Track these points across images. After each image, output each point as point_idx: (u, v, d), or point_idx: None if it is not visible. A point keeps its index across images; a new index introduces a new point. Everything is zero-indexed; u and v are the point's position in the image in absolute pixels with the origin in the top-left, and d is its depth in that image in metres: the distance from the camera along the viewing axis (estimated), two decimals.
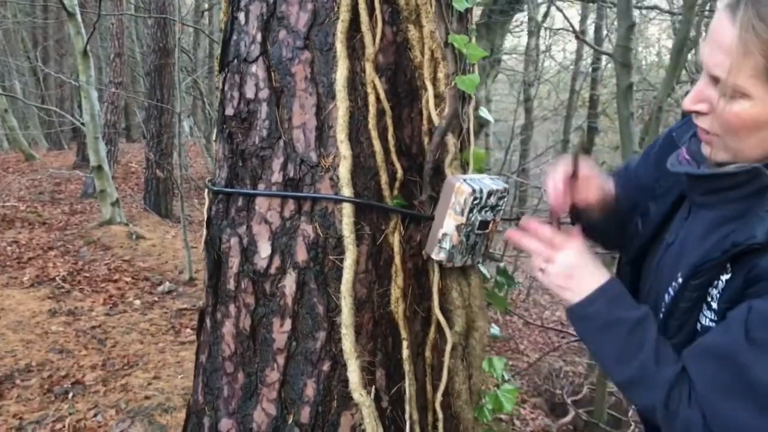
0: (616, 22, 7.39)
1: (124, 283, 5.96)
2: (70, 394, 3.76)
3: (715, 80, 0.97)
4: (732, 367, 0.93)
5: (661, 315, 1.12)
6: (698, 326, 1.03)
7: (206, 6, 18.97)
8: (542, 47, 16.63)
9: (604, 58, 12.34)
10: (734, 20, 0.93)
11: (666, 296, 1.11)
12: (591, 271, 1.14)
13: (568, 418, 7.04)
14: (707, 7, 10.75)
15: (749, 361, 0.91)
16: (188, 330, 4.92)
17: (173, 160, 10.28)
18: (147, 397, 3.69)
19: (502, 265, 1.58)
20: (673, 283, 1.10)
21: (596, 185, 1.28)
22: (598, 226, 1.34)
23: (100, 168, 7.42)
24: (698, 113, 1.03)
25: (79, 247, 7.03)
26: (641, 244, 1.26)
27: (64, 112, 12.69)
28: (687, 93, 1.05)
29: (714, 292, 1.01)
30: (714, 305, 1.01)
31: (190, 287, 5.98)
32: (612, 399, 6.93)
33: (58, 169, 12.51)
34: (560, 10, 5.32)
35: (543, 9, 14.59)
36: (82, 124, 7.86)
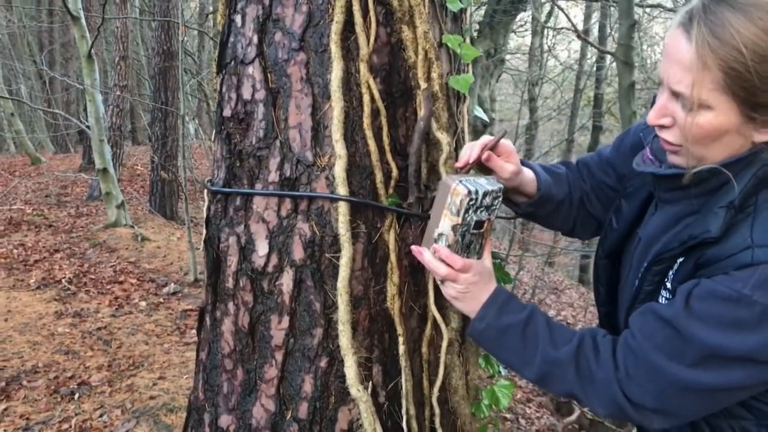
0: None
1: (130, 284, 5.99)
2: (76, 395, 3.79)
3: (676, 95, 1.03)
4: (667, 329, 1.04)
5: (627, 302, 1.23)
6: None
7: (210, 9, 19.04)
8: (546, 47, 16.64)
9: (608, 57, 12.33)
10: (690, 38, 0.98)
11: (636, 283, 1.20)
12: (484, 284, 1.26)
13: (573, 417, 7.04)
14: None
15: (682, 325, 1.01)
16: (193, 331, 4.94)
17: (178, 162, 10.33)
18: (152, 397, 3.72)
19: (497, 261, 1.60)
20: (640, 271, 1.18)
21: (512, 163, 1.38)
22: (525, 211, 1.48)
23: (105, 171, 7.47)
24: (662, 126, 1.09)
25: (84, 249, 7.08)
26: (616, 239, 1.34)
27: (70, 115, 12.76)
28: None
29: (670, 274, 1.11)
30: (669, 285, 1.11)
31: (195, 288, 6.01)
32: None
33: (64, 172, 12.59)
34: (562, 10, 5.33)
35: (547, 8, 14.60)
36: (88, 127, 7.91)
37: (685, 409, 1.07)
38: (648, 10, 11.46)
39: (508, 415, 6.37)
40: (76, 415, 3.56)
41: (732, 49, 0.95)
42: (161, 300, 5.64)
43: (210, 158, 13.56)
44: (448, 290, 1.28)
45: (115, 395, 3.79)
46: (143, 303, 5.51)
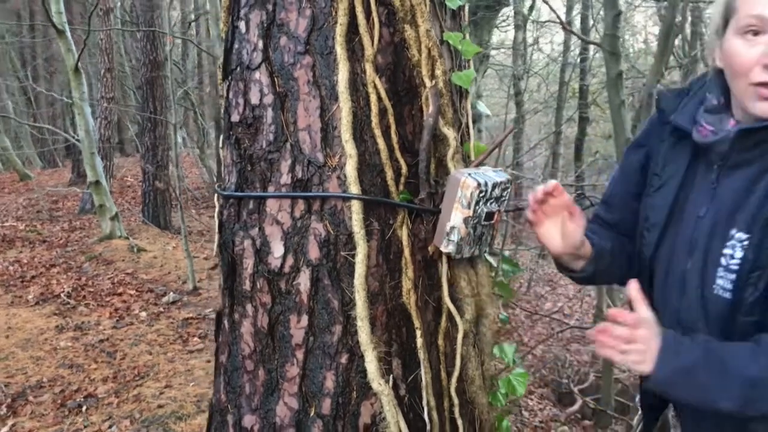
0: (602, 12, 7.45)
1: (129, 295, 5.99)
2: (84, 408, 3.80)
3: None
4: None
5: (726, 281, 1.15)
6: None
7: (192, 17, 19.00)
8: (530, 40, 16.72)
9: (591, 48, 12.40)
10: None
11: (722, 260, 1.16)
12: (655, 335, 1.14)
13: (575, 407, 7.10)
14: None
15: None
16: (195, 339, 4.96)
17: (169, 171, 10.32)
18: (160, 406, 3.73)
19: (507, 253, 1.62)
20: (729, 243, 1.15)
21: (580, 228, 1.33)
22: (588, 273, 1.40)
23: (97, 183, 7.46)
24: None
25: (81, 262, 7.07)
26: (657, 235, 1.30)
27: (57, 129, 12.72)
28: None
29: None
30: None
31: (194, 296, 6.02)
32: (618, 386, 6.99)
33: (54, 186, 12.54)
34: (546, 2, 5.36)
35: (528, 2, 14.65)
36: (77, 140, 7.89)
37: None
38: (630, 0, 11.54)
39: (510, 406, 6.43)
40: (84, 427, 3.57)
41: None
42: (161, 309, 5.65)
43: (200, 167, 13.56)
44: (630, 356, 1.15)
45: (123, 406, 3.80)
46: (144, 313, 5.51)
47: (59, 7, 7.00)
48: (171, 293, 6.01)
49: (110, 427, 3.56)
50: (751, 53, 1.10)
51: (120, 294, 6.03)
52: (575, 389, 7.26)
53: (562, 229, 1.34)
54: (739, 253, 1.14)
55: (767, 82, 1.10)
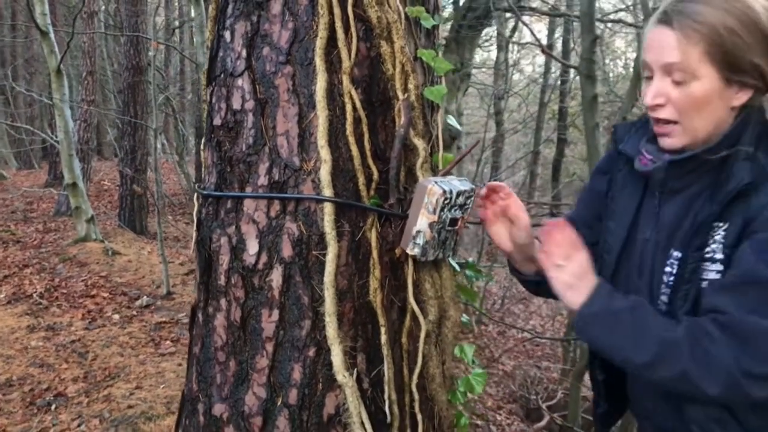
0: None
1: (102, 298, 5.99)
2: (53, 406, 3.81)
3: (667, 72, 1.21)
4: (753, 290, 1.12)
5: (665, 296, 1.28)
6: (703, 284, 1.20)
7: (177, 24, 19.03)
8: (511, 61, 16.98)
9: (572, 71, 12.63)
10: (672, 27, 1.20)
11: (664, 278, 1.28)
12: (592, 275, 1.29)
13: (543, 423, 7.19)
14: None
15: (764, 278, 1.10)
16: (168, 342, 4.98)
17: (147, 176, 10.32)
18: (130, 407, 3.75)
19: (470, 259, 1.72)
20: (669, 262, 1.28)
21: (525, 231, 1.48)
22: (537, 281, 1.51)
23: (74, 185, 7.45)
24: (657, 106, 1.25)
25: (54, 264, 7.04)
26: (615, 257, 1.41)
27: (36, 130, 12.65)
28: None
29: (714, 246, 1.20)
30: (718, 257, 1.19)
31: (168, 301, 6.04)
32: (586, 403, 7.10)
33: (30, 187, 12.45)
34: (526, 25, 5.52)
35: (511, 24, 14.89)
36: (56, 141, 7.89)
37: None
38: (609, 25, 11.79)
39: (479, 422, 6.49)
40: (53, 425, 3.58)
41: (707, 26, 1.17)
42: (134, 313, 5.66)
43: (179, 173, 13.54)
44: (562, 275, 1.29)
45: (93, 405, 3.82)
46: (116, 316, 5.52)
47: (44, 9, 7.03)
48: (145, 297, 6.02)
49: (79, 425, 3.58)
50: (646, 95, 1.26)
51: (93, 296, 6.03)
52: (543, 405, 7.37)
53: (509, 230, 1.47)
54: (675, 270, 1.26)
55: (655, 119, 1.27)
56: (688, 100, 1.21)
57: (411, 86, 1.52)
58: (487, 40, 15.94)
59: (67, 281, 6.42)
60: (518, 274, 1.56)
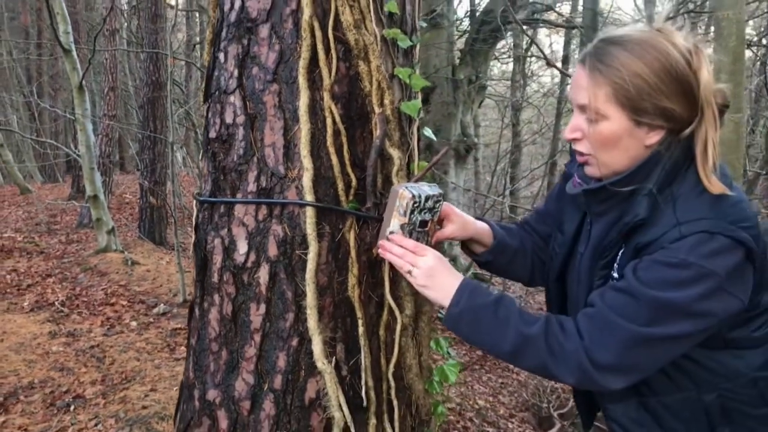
0: None
1: (121, 306, 6.20)
2: (72, 407, 3.99)
3: (582, 110, 1.34)
4: (622, 296, 1.27)
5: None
6: None
7: (197, 39, 19.39)
8: (528, 72, 17.10)
9: None
10: (585, 68, 1.32)
11: (594, 287, 1.42)
12: (449, 272, 1.46)
13: (554, 430, 7.26)
14: None
15: (635, 290, 1.25)
16: (182, 348, 5.16)
17: (167, 188, 10.57)
18: (144, 407, 3.92)
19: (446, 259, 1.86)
20: (597, 274, 1.42)
21: (452, 223, 1.69)
22: (485, 259, 1.74)
23: (96, 197, 7.69)
24: (575, 140, 1.39)
25: (76, 273, 7.28)
26: (560, 262, 1.59)
27: (59, 144, 12.99)
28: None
29: (615, 265, 1.36)
30: (615, 275, 1.36)
31: (184, 309, 6.22)
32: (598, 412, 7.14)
33: (54, 200, 12.78)
34: (531, 39, 5.65)
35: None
36: (78, 155, 8.15)
37: (642, 361, 1.27)
38: None
39: (490, 430, 6.59)
40: (72, 425, 3.76)
41: (613, 70, 1.27)
42: (151, 320, 5.85)
43: (198, 185, 13.80)
44: (416, 279, 1.47)
45: (109, 406, 4.00)
46: (134, 323, 5.72)
47: (67, 27, 7.31)
48: (162, 305, 6.22)
49: (96, 425, 3.76)
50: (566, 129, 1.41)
51: (112, 304, 6.24)
52: (555, 414, 7.43)
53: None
54: (599, 284, 1.41)
55: (575, 151, 1.41)
56: (598, 138, 1.32)
57: (386, 101, 1.68)
58: (504, 52, 16.09)
59: (88, 290, 6.64)
60: (471, 254, 1.77)
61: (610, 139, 1.31)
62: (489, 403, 6.76)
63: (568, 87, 1.40)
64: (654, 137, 1.30)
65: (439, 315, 1.90)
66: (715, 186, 1.26)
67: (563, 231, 1.59)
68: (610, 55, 1.28)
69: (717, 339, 1.31)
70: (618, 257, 1.36)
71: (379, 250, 1.55)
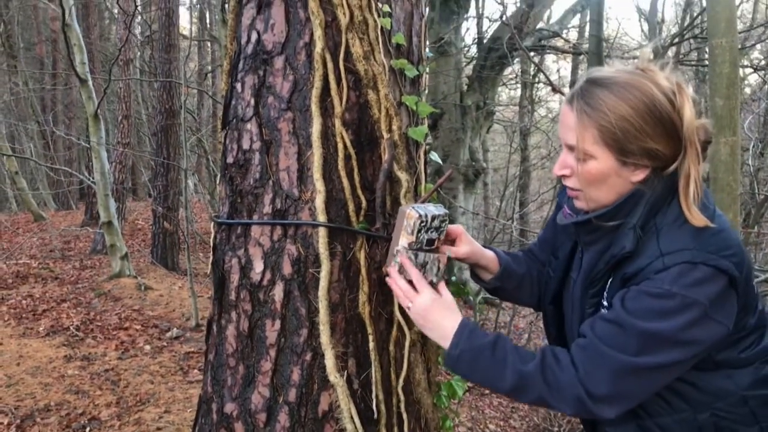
0: None
1: (135, 330, 6.29)
2: (88, 429, 4.06)
3: (571, 149, 1.40)
4: (612, 327, 1.33)
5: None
6: None
7: (209, 68, 19.70)
8: (535, 98, 17.27)
9: None
10: (572, 109, 1.38)
11: (585, 315, 1.49)
12: (444, 312, 1.51)
13: None
14: (681, 55, 11.28)
15: (623, 321, 1.30)
16: (195, 371, 5.23)
17: (179, 214, 10.71)
18: (159, 429, 3.99)
19: (453, 278, 1.94)
20: (588, 301, 1.49)
21: (464, 243, 1.75)
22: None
23: (110, 224, 7.82)
24: (564, 176, 1.46)
25: (90, 298, 7.38)
26: (555, 286, 1.66)
27: (74, 172, 13.19)
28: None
29: (604, 294, 1.42)
30: (605, 303, 1.42)
31: (196, 332, 6.30)
32: None
33: (67, 227, 12.94)
34: (540, 69, 5.76)
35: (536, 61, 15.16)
36: (93, 182, 8.31)
37: (635, 390, 1.31)
38: (624, 59, 12.00)
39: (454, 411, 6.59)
40: None
41: (600, 113, 1.33)
42: (165, 344, 5.93)
43: (209, 212, 13.96)
44: (415, 319, 1.54)
45: (124, 428, 4.06)
46: (148, 347, 5.80)
47: (83, 58, 7.51)
48: (175, 329, 6.30)
49: None
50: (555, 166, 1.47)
51: (126, 328, 6.33)
52: None
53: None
54: (591, 311, 1.48)
55: (567, 186, 1.47)
56: (586, 176, 1.38)
57: (395, 128, 1.77)
58: (511, 79, 16.26)
59: (102, 315, 6.74)
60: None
61: (598, 178, 1.37)
62: (500, 428, 6.75)
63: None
64: (639, 175, 1.36)
65: None
66: (697, 219, 1.31)
67: (557, 256, 1.67)
68: (597, 97, 1.33)
69: (707, 361, 1.36)
70: (607, 286, 1.42)
71: (386, 278, 1.63)
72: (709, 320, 1.26)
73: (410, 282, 1.56)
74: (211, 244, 1.90)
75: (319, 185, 1.68)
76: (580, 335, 1.40)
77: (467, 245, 1.74)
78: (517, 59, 13.51)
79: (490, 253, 1.79)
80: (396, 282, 1.57)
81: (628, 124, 1.30)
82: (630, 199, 1.38)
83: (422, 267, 1.74)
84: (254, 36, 1.78)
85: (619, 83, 1.33)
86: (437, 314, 1.50)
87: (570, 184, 1.45)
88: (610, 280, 1.41)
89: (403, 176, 1.77)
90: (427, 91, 2.03)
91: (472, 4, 12.78)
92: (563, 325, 1.64)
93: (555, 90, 6.59)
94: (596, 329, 1.35)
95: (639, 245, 1.35)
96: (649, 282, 1.29)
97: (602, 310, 1.41)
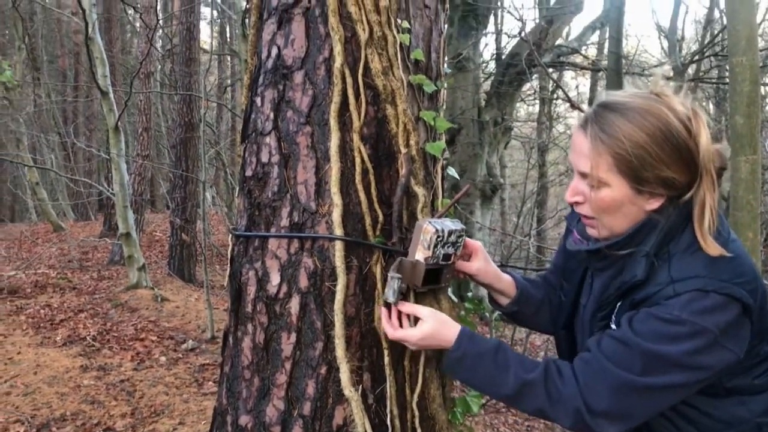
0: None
1: (150, 341, 6.32)
2: None
3: (584, 176, 1.38)
4: (618, 345, 1.32)
5: None
6: None
7: (228, 82, 19.89)
8: (554, 114, 17.25)
9: None
10: (586, 135, 1.35)
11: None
12: (440, 329, 1.52)
13: None
14: (701, 72, 11.22)
15: (630, 341, 1.29)
16: (210, 383, 5.24)
17: (197, 226, 10.78)
18: None
19: (470, 294, 1.94)
20: (597, 324, 1.48)
21: (479, 259, 1.75)
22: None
23: (128, 235, 7.89)
24: (577, 203, 1.44)
25: (107, 309, 7.44)
26: (567, 312, 1.66)
27: (93, 183, 13.33)
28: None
29: (612, 317, 1.41)
30: (614, 326, 1.40)
31: (212, 345, 6.32)
32: None
33: (86, 238, 13.07)
34: (558, 85, 5.76)
35: (554, 77, 15.15)
36: (112, 193, 8.39)
37: (636, 408, 1.30)
38: (644, 75, 11.97)
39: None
40: None
41: (616, 140, 1.30)
42: (180, 355, 5.96)
43: (227, 224, 14.04)
44: (413, 348, 1.60)
45: None
46: (163, 358, 5.82)
47: (105, 71, 7.61)
48: (190, 341, 6.32)
49: None
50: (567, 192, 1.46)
51: (142, 339, 6.36)
52: None
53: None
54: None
55: (579, 213, 1.45)
56: (600, 203, 1.35)
57: (412, 142, 1.77)
58: (530, 95, 16.27)
59: (119, 325, 6.78)
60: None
61: (612, 206, 1.35)
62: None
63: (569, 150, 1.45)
64: (654, 204, 1.34)
65: None
66: (712, 248, 1.29)
67: (569, 281, 1.66)
68: (612, 124, 1.30)
69: (717, 387, 1.35)
70: (616, 310, 1.40)
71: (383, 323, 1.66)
72: (719, 347, 1.25)
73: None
74: (229, 257, 1.91)
75: (337, 199, 1.69)
76: (585, 350, 1.40)
77: (480, 262, 1.74)
78: (535, 75, 13.53)
79: (507, 277, 1.78)
80: (385, 327, 1.63)
81: (644, 151, 1.28)
82: (643, 228, 1.36)
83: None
84: (274, 51, 1.80)
85: (634, 109, 1.31)
86: (435, 335, 1.53)
87: (583, 212, 1.43)
88: (619, 303, 1.40)
89: (420, 191, 1.78)
90: (445, 107, 2.04)
91: (491, 20, 12.85)
92: (575, 349, 1.62)
93: (573, 106, 6.57)
94: (602, 345, 1.34)
95: (650, 272, 1.34)
96: (659, 307, 1.28)
97: (609, 330, 1.41)
